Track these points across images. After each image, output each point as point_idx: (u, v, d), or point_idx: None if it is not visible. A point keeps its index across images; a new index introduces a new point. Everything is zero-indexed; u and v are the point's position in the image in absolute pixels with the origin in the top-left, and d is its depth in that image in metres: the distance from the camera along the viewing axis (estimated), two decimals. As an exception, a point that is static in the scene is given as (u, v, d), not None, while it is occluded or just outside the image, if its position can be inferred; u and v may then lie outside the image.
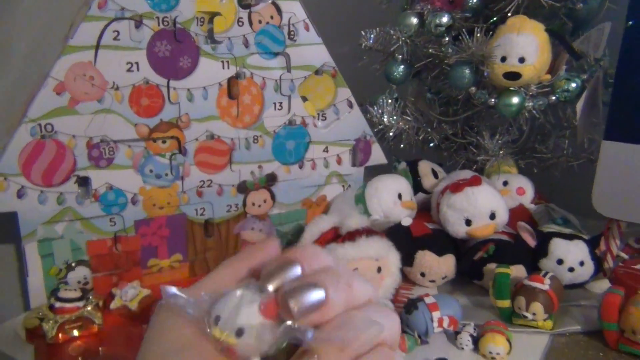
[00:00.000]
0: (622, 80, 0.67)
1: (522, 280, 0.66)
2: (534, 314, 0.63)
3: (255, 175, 0.76)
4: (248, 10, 0.69)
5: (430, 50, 0.83)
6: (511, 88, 0.76)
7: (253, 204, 0.76)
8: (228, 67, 0.70)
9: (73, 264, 0.67)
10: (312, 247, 0.28)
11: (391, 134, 0.87)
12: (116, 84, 0.64)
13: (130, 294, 0.66)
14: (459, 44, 0.77)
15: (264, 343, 0.25)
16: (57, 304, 0.61)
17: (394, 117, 0.87)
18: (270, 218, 0.78)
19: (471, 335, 0.61)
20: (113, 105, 0.64)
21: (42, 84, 0.61)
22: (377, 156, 0.85)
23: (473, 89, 0.79)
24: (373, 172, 0.84)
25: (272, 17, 0.71)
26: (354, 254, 0.65)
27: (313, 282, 0.25)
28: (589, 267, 0.71)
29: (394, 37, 0.83)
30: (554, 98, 0.76)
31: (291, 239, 0.81)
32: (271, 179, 0.77)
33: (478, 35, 0.75)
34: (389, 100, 0.88)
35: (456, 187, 0.74)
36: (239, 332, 0.25)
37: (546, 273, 0.66)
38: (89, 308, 0.62)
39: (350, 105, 0.80)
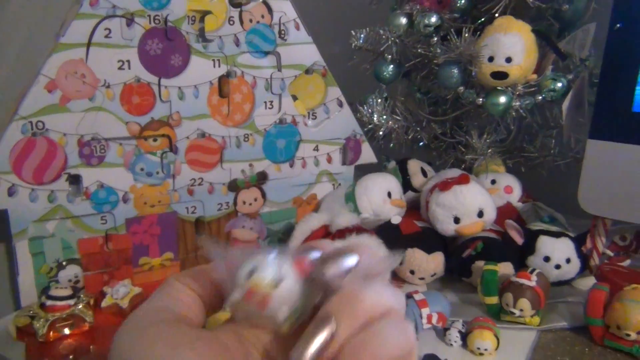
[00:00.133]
0: (606, 80, 0.68)
1: (510, 277, 0.66)
2: (521, 310, 0.64)
3: (246, 174, 0.76)
4: (239, 9, 0.70)
5: (419, 50, 0.83)
6: (498, 87, 0.77)
7: (244, 203, 0.77)
8: (219, 66, 0.70)
9: (64, 262, 0.67)
10: (369, 241, 0.29)
11: (381, 133, 0.88)
12: (107, 81, 0.64)
13: (121, 292, 0.66)
14: (447, 44, 0.78)
15: (295, 297, 0.26)
16: (48, 302, 0.61)
17: (384, 117, 0.88)
18: (260, 216, 0.79)
19: (460, 332, 0.62)
20: (104, 103, 0.64)
21: (33, 82, 0.61)
22: (367, 155, 0.86)
23: (461, 88, 0.80)
24: (363, 170, 0.85)
25: (262, 16, 0.71)
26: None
27: (349, 249, 0.27)
28: (576, 264, 0.72)
29: (384, 37, 0.84)
30: (540, 97, 0.78)
31: (282, 237, 0.81)
32: (262, 177, 0.78)
33: (466, 35, 0.76)
34: (379, 100, 0.89)
35: (445, 186, 0.75)
36: (276, 283, 0.26)
37: (533, 270, 0.67)
38: (80, 306, 0.62)
39: (341, 105, 0.81)
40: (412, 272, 0.74)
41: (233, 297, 0.26)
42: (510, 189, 0.86)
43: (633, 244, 0.77)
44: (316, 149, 0.81)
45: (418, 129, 0.90)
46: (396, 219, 0.76)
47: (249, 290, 0.26)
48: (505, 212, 0.81)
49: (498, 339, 0.60)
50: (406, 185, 0.86)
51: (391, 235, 0.74)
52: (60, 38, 0.61)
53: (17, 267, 0.64)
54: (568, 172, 0.85)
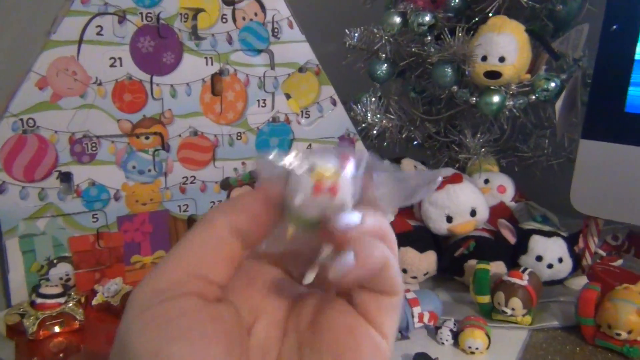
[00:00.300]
0: (599, 80, 0.68)
1: (502, 276, 0.67)
2: (513, 309, 0.64)
3: (238, 172, 0.76)
4: (232, 7, 0.70)
5: (413, 49, 0.83)
6: (492, 87, 0.77)
7: (236, 201, 0.77)
8: (212, 64, 0.70)
9: (55, 260, 0.67)
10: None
11: (375, 132, 0.88)
12: (99, 79, 0.64)
13: (112, 290, 0.66)
14: (441, 43, 0.78)
15: (355, 186, 0.26)
16: (38, 300, 0.61)
17: (378, 116, 0.88)
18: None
19: (451, 330, 0.62)
20: (96, 101, 0.64)
21: (24, 79, 0.60)
22: (361, 154, 0.86)
23: (455, 87, 0.80)
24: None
25: (256, 14, 0.71)
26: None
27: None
28: (568, 263, 0.72)
29: (378, 35, 0.84)
30: (533, 97, 0.78)
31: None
32: (254, 175, 0.78)
33: (460, 34, 0.76)
34: (373, 99, 0.89)
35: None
36: (339, 170, 0.26)
37: (525, 269, 0.67)
38: (70, 304, 0.62)
39: (334, 103, 0.81)
40: (404, 270, 0.74)
41: (298, 199, 0.25)
42: (504, 188, 0.86)
43: (625, 244, 0.78)
44: (309, 147, 0.80)
45: (412, 128, 0.90)
46: (389, 218, 0.76)
47: (315, 183, 0.25)
48: (498, 211, 0.81)
49: (489, 338, 0.60)
50: (399, 184, 0.86)
51: (384, 234, 0.74)
52: (51, 35, 0.61)
53: (7, 265, 0.64)
54: (561, 172, 0.85)
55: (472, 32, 0.78)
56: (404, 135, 0.90)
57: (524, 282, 0.64)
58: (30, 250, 0.65)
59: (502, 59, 0.75)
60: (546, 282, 0.72)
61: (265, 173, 0.27)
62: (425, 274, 0.75)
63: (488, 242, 0.74)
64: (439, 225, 0.75)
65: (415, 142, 0.92)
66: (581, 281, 0.71)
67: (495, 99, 0.77)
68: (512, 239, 0.74)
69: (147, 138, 0.68)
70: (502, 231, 0.74)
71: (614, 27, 0.66)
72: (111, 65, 0.64)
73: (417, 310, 0.62)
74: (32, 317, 0.60)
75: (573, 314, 0.64)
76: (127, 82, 0.65)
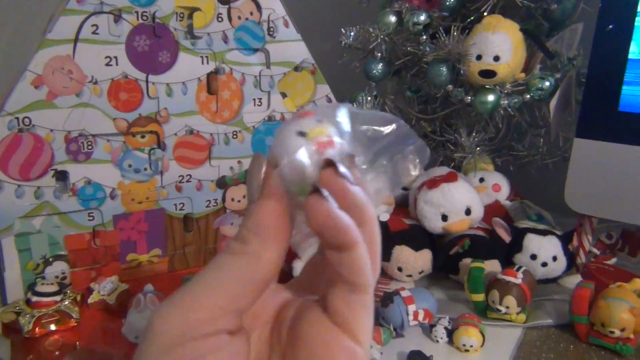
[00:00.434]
0: (593, 79, 0.69)
1: (496, 274, 0.67)
2: (507, 307, 0.64)
3: (234, 171, 0.76)
4: (227, 6, 0.70)
5: (408, 49, 0.84)
6: (487, 86, 0.77)
7: (232, 199, 0.77)
8: (207, 63, 0.70)
9: (51, 259, 0.67)
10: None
11: (370, 131, 0.88)
12: (95, 78, 0.64)
13: (108, 289, 0.66)
14: (436, 42, 0.78)
15: (340, 131, 0.27)
16: (34, 298, 0.61)
17: (373, 114, 0.88)
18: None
19: (446, 328, 0.63)
20: (91, 100, 0.64)
21: (19, 78, 0.60)
22: (356, 153, 0.86)
23: (450, 86, 0.80)
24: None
25: (251, 13, 0.71)
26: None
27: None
28: (562, 262, 0.73)
29: (373, 35, 0.84)
30: (528, 96, 0.78)
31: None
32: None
33: (455, 33, 0.76)
34: (369, 98, 0.89)
35: (433, 183, 0.76)
36: (320, 122, 0.27)
37: (519, 267, 0.67)
38: (66, 302, 0.62)
39: (330, 102, 0.81)
40: (399, 269, 0.74)
41: (309, 171, 0.26)
42: (499, 187, 0.86)
43: (619, 243, 0.78)
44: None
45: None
46: (384, 216, 0.76)
47: (316, 143, 0.26)
48: (493, 210, 0.82)
49: (484, 336, 0.61)
50: (395, 183, 0.86)
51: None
52: (47, 34, 0.61)
53: (3, 263, 0.64)
54: (556, 171, 0.86)
55: (467, 31, 0.78)
56: (399, 134, 0.90)
57: (518, 281, 0.65)
58: (26, 249, 0.65)
59: (496, 58, 0.76)
60: (540, 281, 0.72)
61: (255, 168, 0.27)
62: (420, 272, 0.75)
63: (483, 241, 0.74)
64: (434, 224, 0.76)
65: (411, 141, 0.92)
66: (575, 279, 0.71)
67: (490, 98, 0.77)
68: (506, 237, 0.74)
69: (143, 137, 0.69)
70: (497, 230, 0.75)
71: (610, 26, 0.67)
72: (107, 64, 0.64)
73: (412, 308, 0.62)
74: (27, 315, 0.60)
75: (567, 312, 0.65)
76: (123, 80, 0.66)
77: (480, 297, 0.66)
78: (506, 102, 0.78)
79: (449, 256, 0.74)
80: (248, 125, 0.75)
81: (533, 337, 0.64)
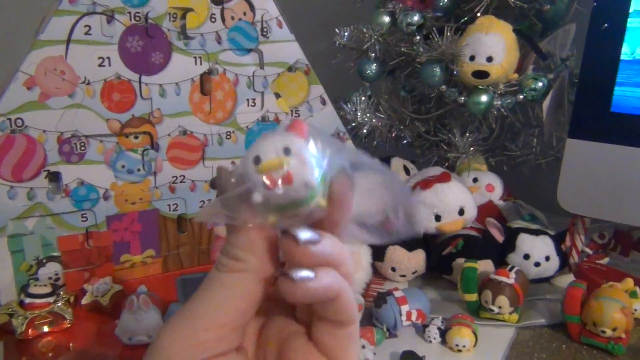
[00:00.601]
0: (585, 80, 0.69)
1: (489, 274, 0.67)
2: (499, 307, 0.65)
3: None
4: (220, 7, 0.70)
5: (402, 49, 0.84)
6: (480, 86, 0.78)
7: (226, 200, 0.77)
8: (200, 63, 0.70)
9: (44, 260, 0.67)
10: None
11: (364, 131, 0.88)
12: (87, 78, 0.64)
13: (101, 290, 0.66)
14: (429, 42, 0.79)
15: (311, 158, 0.25)
16: (27, 300, 0.61)
17: (367, 115, 0.88)
18: (243, 214, 0.79)
19: (439, 329, 0.63)
20: (84, 100, 0.64)
21: (12, 79, 0.60)
22: (350, 153, 0.86)
23: (444, 87, 0.81)
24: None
25: (244, 14, 0.71)
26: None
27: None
28: (555, 262, 0.73)
29: (367, 35, 0.84)
30: (521, 97, 0.78)
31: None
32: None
33: (448, 34, 0.76)
34: (363, 98, 0.89)
35: (426, 184, 0.76)
36: (287, 151, 0.24)
37: (512, 267, 0.68)
38: (59, 304, 0.62)
39: (324, 102, 0.81)
40: (393, 269, 0.75)
41: (256, 197, 0.24)
42: (492, 187, 0.87)
43: (611, 242, 0.78)
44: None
45: (401, 127, 0.91)
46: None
47: (267, 177, 0.24)
48: (486, 210, 0.82)
49: (476, 336, 0.61)
50: (389, 183, 0.86)
51: (373, 233, 0.74)
52: (39, 35, 0.61)
53: (-4, 265, 0.64)
54: (549, 171, 0.86)
55: (460, 31, 0.78)
56: (393, 134, 0.91)
57: (511, 281, 0.65)
58: (19, 250, 0.65)
59: (489, 59, 0.76)
60: (533, 280, 0.73)
61: (223, 181, 0.26)
62: (413, 273, 0.75)
63: (476, 241, 0.75)
64: (428, 224, 0.76)
65: (405, 141, 0.93)
66: (568, 279, 0.72)
67: (483, 98, 0.77)
68: (500, 237, 0.74)
69: (136, 137, 0.68)
70: (490, 230, 0.75)
71: (606, 25, 0.67)
72: (100, 65, 0.64)
73: (405, 308, 0.63)
74: (20, 317, 0.60)
75: (559, 312, 0.65)
76: (116, 81, 0.65)
77: (473, 297, 0.66)
78: (499, 102, 0.78)
79: (443, 256, 0.74)
80: (242, 125, 0.75)
81: (525, 337, 0.65)
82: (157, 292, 0.64)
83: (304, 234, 0.24)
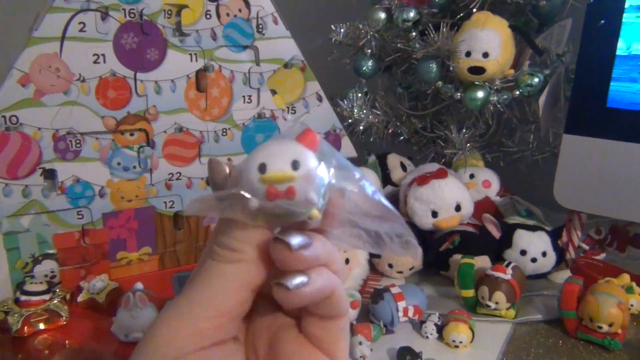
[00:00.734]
0: (581, 75, 0.69)
1: (486, 270, 0.67)
2: (496, 303, 0.65)
3: (224, 168, 0.76)
4: (216, 3, 0.69)
5: (398, 45, 0.84)
6: (476, 82, 0.78)
7: (222, 197, 0.77)
8: (196, 60, 0.70)
9: (39, 258, 0.66)
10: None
11: (361, 127, 0.88)
12: (82, 76, 0.64)
13: (97, 287, 0.66)
14: (425, 38, 0.79)
15: (316, 172, 0.24)
16: (23, 297, 0.61)
17: (364, 111, 0.88)
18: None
19: (435, 325, 0.63)
20: (79, 98, 0.64)
21: (6, 76, 0.60)
22: (347, 150, 0.86)
23: (440, 83, 0.80)
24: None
25: (240, 10, 0.71)
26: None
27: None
28: (551, 257, 0.73)
29: (363, 31, 0.84)
30: (517, 93, 0.78)
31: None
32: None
33: (444, 30, 0.76)
34: (359, 94, 0.89)
35: (423, 180, 0.76)
36: (295, 164, 0.24)
37: (509, 263, 0.68)
38: (55, 301, 0.62)
39: (320, 99, 0.81)
40: (390, 265, 0.75)
41: (252, 203, 0.24)
42: (489, 183, 0.87)
43: (608, 238, 0.78)
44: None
45: (398, 123, 0.91)
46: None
47: (268, 189, 0.24)
48: (483, 206, 0.82)
49: (473, 332, 0.61)
50: (386, 179, 0.87)
51: (369, 230, 0.74)
52: (33, 32, 0.60)
53: (-8, 263, 0.64)
54: (546, 167, 0.86)
55: (456, 27, 0.78)
56: (390, 131, 0.91)
57: (508, 276, 0.65)
58: (14, 248, 0.65)
59: (485, 55, 0.76)
60: (530, 276, 0.72)
61: (216, 175, 0.26)
62: (410, 269, 0.75)
63: (473, 237, 0.75)
64: (424, 221, 0.76)
65: (402, 138, 0.93)
66: (565, 275, 0.72)
67: (480, 94, 0.77)
68: (496, 233, 0.74)
69: (131, 134, 0.68)
70: (486, 226, 0.75)
71: (602, 21, 0.67)
72: (94, 62, 0.64)
73: (402, 304, 0.63)
74: (16, 315, 0.60)
75: (556, 308, 0.65)
76: (111, 78, 0.65)
77: (470, 293, 0.66)
78: (495, 98, 0.78)
79: (439, 252, 0.74)
80: (238, 122, 0.75)
81: (522, 332, 0.65)
82: (153, 290, 0.64)
83: (296, 240, 0.24)
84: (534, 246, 0.72)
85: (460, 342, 0.60)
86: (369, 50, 0.86)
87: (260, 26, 0.73)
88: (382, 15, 0.84)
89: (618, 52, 0.66)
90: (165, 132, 0.70)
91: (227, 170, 0.26)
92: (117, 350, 0.58)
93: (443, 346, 0.61)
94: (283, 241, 0.24)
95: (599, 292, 0.61)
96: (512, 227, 0.74)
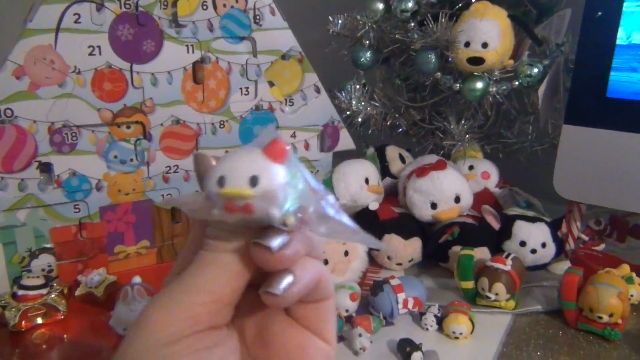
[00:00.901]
0: (581, 65, 0.68)
1: (486, 261, 0.67)
2: (496, 294, 0.65)
3: (222, 161, 0.75)
4: (212, -6, 0.69)
5: (396, 36, 0.83)
6: (475, 73, 0.77)
7: (220, 190, 0.76)
8: (193, 52, 0.69)
9: (36, 252, 0.66)
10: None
11: (359, 119, 0.88)
12: (78, 68, 0.63)
13: (95, 281, 0.66)
14: (424, 29, 0.78)
15: (282, 186, 0.23)
16: (20, 292, 0.61)
17: (362, 103, 0.88)
18: (238, 204, 0.78)
19: (435, 316, 0.63)
20: (75, 90, 0.63)
21: (0, 68, 0.59)
22: (346, 142, 0.86)
23: (439, 74, 0.80)
24: (342, 157, 0.84)
25: (237, 1, 0.70)
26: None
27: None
28: (551, 248, 0.73)
29: (361, 22, 0.84)
30: (517, 83, 0.78)
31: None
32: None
33: (443, 20, 0.75)
34: (357, 86, 0.89)
35: (422, 172, 0.75)
36: (254, 181, 0.23)
37: (508, 254, 0.67)
38: (52, 295, 0.62)
39: (318, 91, 0.80)
40: (389, 257, 0.74)
41: (215, 213, 0.24)
42: (488, 174, 0.86)
43: (607, 228, 0.78)
44: (293, 135, 0.80)
45: (396, 115, 0.90)
46: (374, 205, 0.76)
47: (225, 203, 0.23)
48: (482, 197, 0.82)
49: (473, 323, 0.61)
50: (384, 171, 0.86)
51: (369, 222, 0.74)
52: (28, 23, 0.60)
53: (-12, 257, 0.63)
54: (545, 158, 0.86)
55: (455, 18, 0.78)
56: (388, 123, 0.90)
57: (508, 268, 0.65)
58: (11, 242, 0.64)
59: (484, 45, 0.75)
60: (530, 267, 0.72)
61: (202, 169, 0.26)
62: (410, 261, 0.75)
63: (472, 228, 0.74)
64: (424, 212, 0.75)
65: (400, 129, 0.92)
66: (564, 266, 0.71)
67: (479, 85, 0.77)
68: (496, 224, 0.74)
69: (128, 127, 0.68)
70: (486, 217, 0.75)
71: (599, 13, 0.66)
72: (90, 54, 0.63)
73: (401, 296, 0.62)
74: (13, 309, 0.59)
75: (556, 298, 0.65)
76: (107, 70, 0.65)
77: (469, 284, 0.66)
78: (495, 89, 0.78)
79: (439, 244, 0.73)
80: (235, 114, 0.74)
81: (522, 323, 0.65)
82: (151, 283, 0.63)
83: (276, 242, 0.24)
84: (533, 237, 0.72)
85: (460, 334, 0.60)
86: (367, 42, 0.85)
87: (258, 17, 0.72)
88: (380, 5, 0.83)
89: (618, 42, 0.66)
90: (162, 124, 0.70)
91: (213, 164, 0.26)
92: (115, 344, 0.58)
93: (443, 337, 0.61)
94: (262, 245, 0.24)
95: (598, 282, 0.61)
96: (512, 218, 0.74)
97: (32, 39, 0.60)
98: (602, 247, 0.77)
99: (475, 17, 0.75)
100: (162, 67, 0.68)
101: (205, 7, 0.68)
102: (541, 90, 0.76)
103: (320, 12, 0.89)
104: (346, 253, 0.68)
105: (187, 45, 0.69)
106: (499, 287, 0.64)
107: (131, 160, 0.69)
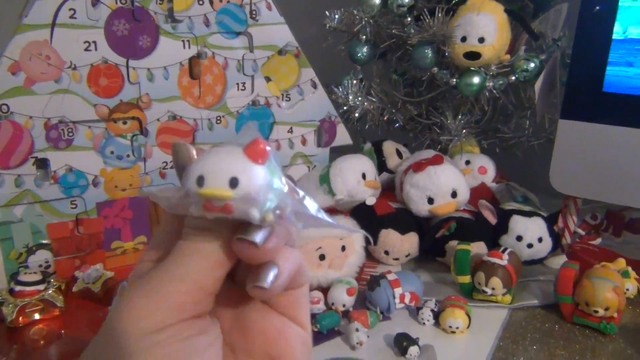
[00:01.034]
0: (577, 60, 0.68)
1: (482, 256, 0.67)
2: (493, 288, 0.65)
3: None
4: (208, -11, 0.69)
5: (393, 31, 0.83)
6: (472, 68, 0.77)
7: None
8: (189, 47, 0.69)
9: (34, 248, 0.66)
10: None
11: (356, 114, 0.88)
12: (74, 63, 0.63)
13: (93, 277, 0.66)
14: (420, 24, 0.78)
15: (262, 187, 0.23)
16: (17, 288, 0.61)
17: (359, 98, 0.88)
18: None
19: (432, 311, 0.63)
20: (71, 86, 0.63)
21: (-5, 64, 0.59)
22: (342, 137, 0.86)
23: (435, 69, 0.80)
24: (339, 152, 0.84)
25: (233, -4, 0.70)
26: (318, 233, 0.65)
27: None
28: (547, 243, 0.73)
29: (358, 17, 0.83)
30: (513, 78, 0.78)
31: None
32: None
33: (439, 15, 0.75)
34: (354, 81, 0.89)
35: (419, 166, 0.75)
36: (233, 182, 0.23)
37: (505, 249, 0.68)
38: (50, 291, 0.62)
39: (315, 86, 0.80)
40: (386, 252, 0.75)
41: (192, 210, 0.24)
42: (484, 169, 0.87)
43: (603, 223, 0.79)
44: (290, 131, 0.80)
45: (393, 110, 0.90)
46: (370, 200, 0.76)
47: (204, 204, 0.23)
48: (479, 192, 0.82)
49: (470, 318, 0.61)
50: (381, 166, 0.86)
51: (366, 217, 0.74)
52: (23, 19, 0.59)
53: (-15, 253, 0.63)
54: (542, 153, 0.86)
55: (451, 12, 0.77)
56: (385, 118, 0.90)
57: (504, 262, 0.65)
58: (8, 238, 0.64)
59: (481, 40, 0.75)
60: (526, 262, 0.73)
61: (181, 159, 0.26)
62: (407, 256, 0.75)
63: (469, 223, 0.75)
64: (421, 207, 0.76)
65: (397, 125, 0.92)
66: (561, 260, 0.72)
67: (475, 79, 0.77)
68: (492, 219, 0.74)
69: (124, 123, 0.68)
70: (482, 212, 0.75)
71: (597, 7, 0.66)
72: (86, 49, 0.63)
73: (398, 291, 0.63)
74: (10, 305, 0.59)
75: (552, 293, 0.65)
76: (103, 66, 0.64)
77: (466, 279, 0.66)
78: (491, 84, 0.78)
79: (436, 239, 0.74)
80: (232, 110, 0.74)
81: (519, 317, 0.65)
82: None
83: (259, 236, 0.24)
84: (530, 232, 0.72)
85: (457, 328, 0.60)
86: (364, 37, 0.85)
87: (254, 12, 0.72)
88: (377, 0, 0.83)
89: (614, 36, 0.66)
90: (158, 120, 0.69)
91: (194, 153, 0.26)
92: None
93: (440, 332, 0.61)
94: (246, 240, 0.24)
95: (594, 276, 0.61)
96: (508, 213, 0.74)
97: (27, 34, 0.60)
98: (598, 241, 0.77)
99: (472, 11, 0.75)
100: (159, 63, 0.68)
101: (201, 2, 0.68)
102: (538, 85, 0.76)
103: (317, 7, 0.89)
104: (343, 248, 0.68)
105: (183, 41, 0.68)
106: (496, 281, 0.64)
107: (128, 156, 0.69)
